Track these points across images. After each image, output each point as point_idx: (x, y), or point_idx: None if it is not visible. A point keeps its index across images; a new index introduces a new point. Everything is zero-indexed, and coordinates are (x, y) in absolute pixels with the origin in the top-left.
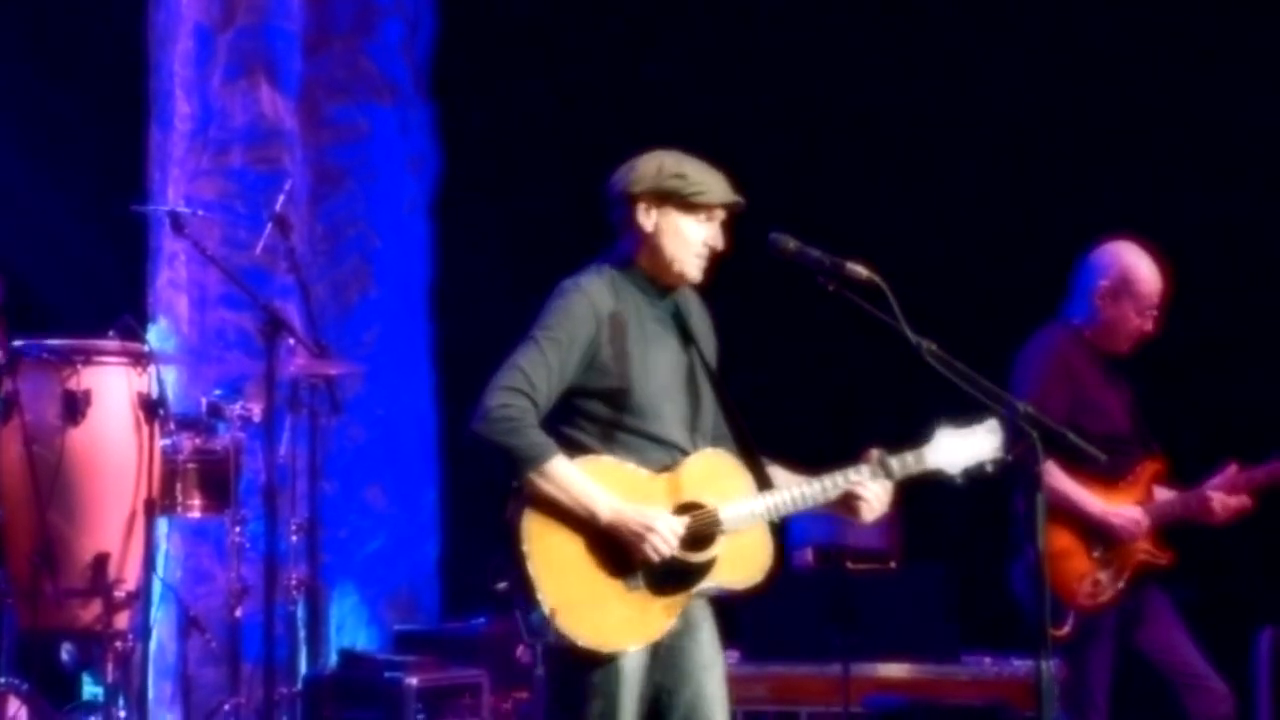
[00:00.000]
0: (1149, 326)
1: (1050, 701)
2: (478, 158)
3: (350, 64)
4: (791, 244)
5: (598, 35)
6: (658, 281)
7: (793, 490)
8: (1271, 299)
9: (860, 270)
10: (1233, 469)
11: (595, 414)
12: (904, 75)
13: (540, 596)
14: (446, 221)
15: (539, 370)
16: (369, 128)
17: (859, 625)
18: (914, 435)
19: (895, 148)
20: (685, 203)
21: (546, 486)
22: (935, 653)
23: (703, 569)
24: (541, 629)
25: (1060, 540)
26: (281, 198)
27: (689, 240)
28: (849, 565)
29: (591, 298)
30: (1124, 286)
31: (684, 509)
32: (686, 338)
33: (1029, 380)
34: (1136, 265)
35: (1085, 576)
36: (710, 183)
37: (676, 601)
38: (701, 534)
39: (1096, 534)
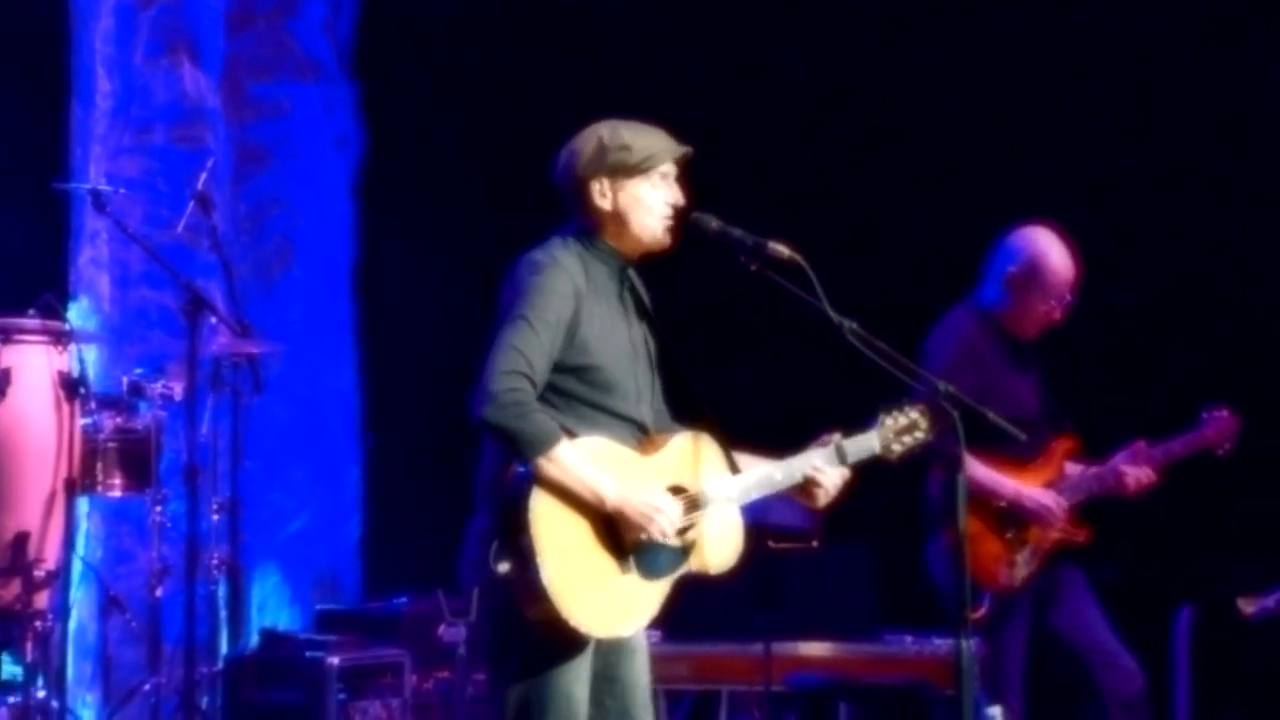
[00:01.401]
0: (1057, 315)
1: (970, 680)
2: (402, 137)
3: (274, 42)
4: (714, 223)
5: (522, 13)
6: (623, 254)
7: (761, 474)
8: (1180, 279)
9: (782, 250)
10: (1140, 444)
11: (567, 389)
12: (823, 56)
13: (545, 579)
14: (370, 201)
15: (535, 351)
16: (292, 106)
17: (781, 604)
18: (858, 419)
19: (813, 129)
20: (638, 170)
21: (554, 471)
22: (857, 632)
23: (685, 553)
24: (534, 605)
25: (971, 525)
26: (204, 176)
27: (652, 207)
28: (771, 545)
29: (570, 273)
30: (1033, 274)
31: (670, 492)
32: (640, 312)
33: (937, 363)
34: (1047, 253)
35: (1000, 559)
36: (654, 144)
37: (662, 586)
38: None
39: (1008, 516)
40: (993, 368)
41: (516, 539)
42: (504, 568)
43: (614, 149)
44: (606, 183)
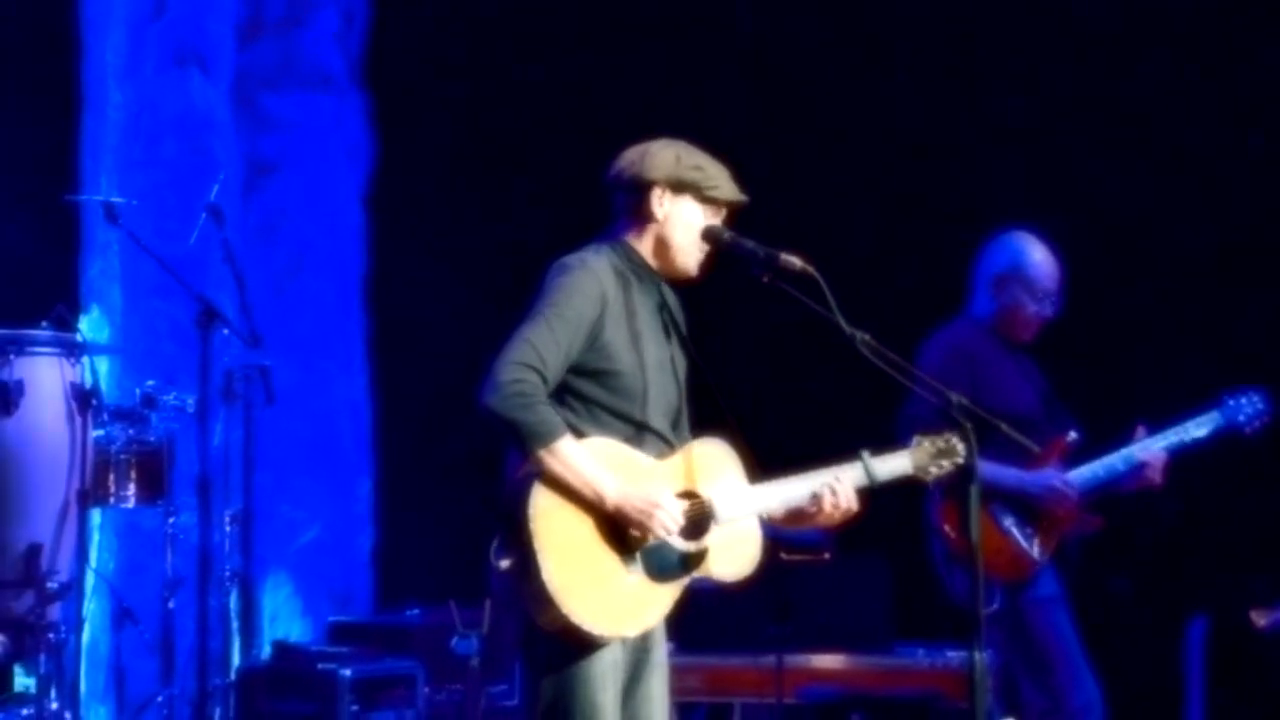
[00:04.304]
0: (1047, 312)
1: (983, 692)
2: (413, 148)
3: (284, 53)
4: (726, 235)
5: (533, 24)
6: (654, 270)
7: (782, 486)
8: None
9: (794, 261)
10: (1140, 429)
11: (586, 394)
12: (834, 73)
13: (545, 576)
14: (381, 212)
15: (549, 346)
16: (303, 117)
17: (793, 616)
18: (885, 438)
19: (827, 142)
20: (701, 195)
21: (555, 465)
22: (869, 644)
23: (696, 559)
24: (539, 607)
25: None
26: (215, 188)
27: (696, 234)
28: (783, 556)
29: (599, 277)
30: (1015, 274)
31: (682, 497)
32: (669, 329)
33: (926, 373)
34: (1027, 252)
35: (1002, 550)
36: (723, 179)
37: (671, 591)
38: (697, 523)
39: (1005, 505)
40: (988, 373)
41: (517, 534)
42: (505, 564)
43: (688, 165)
44: (669, 193)
